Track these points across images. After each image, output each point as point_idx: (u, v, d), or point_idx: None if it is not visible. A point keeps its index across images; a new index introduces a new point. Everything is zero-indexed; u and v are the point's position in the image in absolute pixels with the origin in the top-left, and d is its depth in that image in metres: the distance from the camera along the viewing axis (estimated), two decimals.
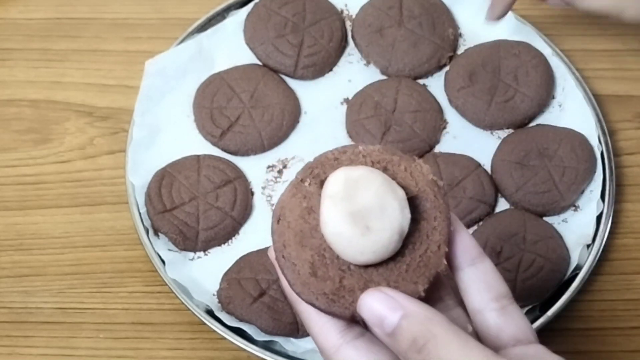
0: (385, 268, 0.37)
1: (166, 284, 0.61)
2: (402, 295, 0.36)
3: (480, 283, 0.38)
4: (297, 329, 0.60)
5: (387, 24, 0.72)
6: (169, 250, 0.63)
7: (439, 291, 0.39)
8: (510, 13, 0.72)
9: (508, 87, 0.69)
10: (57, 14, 0.77)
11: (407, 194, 0.37)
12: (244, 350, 0.59)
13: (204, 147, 0.68)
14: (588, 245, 0.63)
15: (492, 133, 0.69)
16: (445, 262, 0.38)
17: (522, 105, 0.68)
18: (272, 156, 0.68)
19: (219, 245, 0.64)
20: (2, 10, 0.77)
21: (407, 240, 0.37)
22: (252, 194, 0.66)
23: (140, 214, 0.64)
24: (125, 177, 0.65)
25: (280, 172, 0.67)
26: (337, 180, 0.36)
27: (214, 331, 0.60)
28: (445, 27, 0.72)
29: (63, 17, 0.77)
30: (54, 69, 0.74)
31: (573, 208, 0.65)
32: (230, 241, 0.65)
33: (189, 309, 0.60)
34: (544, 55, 0.70)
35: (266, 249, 0.40)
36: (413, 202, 0.37)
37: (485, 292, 0.38)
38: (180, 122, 0.69)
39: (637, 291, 0.64)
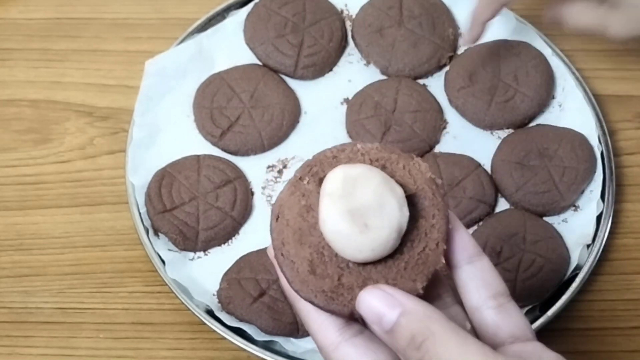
0: (383, 266, 0.37)
1: (166, 284, 0.61)
2: (400, 293, 0.36)
3: (478, 281, 0.38)
4: (297, 329, 0.60)
5: (387, 24, 0.72)
6: (169, 250, 0.63)
7: (438, 289, 0.39)
8: (510, 13, 0.72)
9: (508, 87, 0.69)
10: (57, 14, 0.77)
11: (405, 192, 0.37)
12: (244, 350, 0.59)
13: (204, 147, 0.68)
14: (588, 245, 0.63)
15: (492, 133, 0.69)
16: (444, 260, 0.38)
17: (522, 105, 0.68)
18: (272, 156, 0.68)
19: (219, 245, 0.64)
20: (2, 10, 0.77)
21: (406, 238, 0.37)
22: (252, 194, 0.66)
23: (140, 214, 0.64)
24: (125, 177, 0.65)
25: (280, 172, 0.67)
26: (336, 178, 0.36)
27: (214, 331, 0.60)
28: (445, 27, 0.72)
29: (63, 17, 0.77)
30: (54, 69, 0.74)
31: (573, 208, 0.65)
32: (230, 241, 0.65)
33: (189, 309, 0.60)
34: (544, 55, 0.70)
35: (266, 249, 0.40)
36: (411, 200, 0.37)
37: (483, 290, 0.38)
38: (180, 122, 0.69)
39: (637, 291, 0.64)
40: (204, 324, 0.60)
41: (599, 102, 0.70)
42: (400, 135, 0.67)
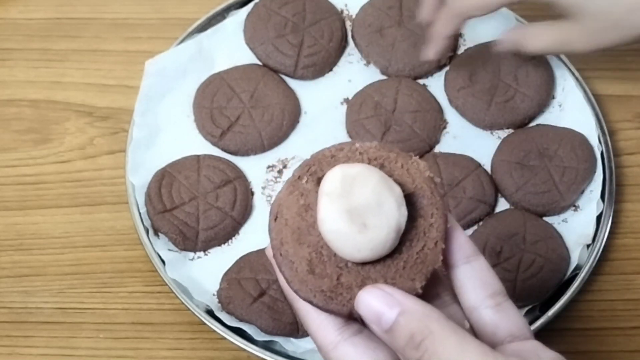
0: (382, 265, 0.37)
1: (166, 284, 0.61)
2: (399, 292, 0.36)
3: (476, 280, 0.39)
4: (297, 329, 0.60)
5: (387, 24, 0.72)
6: (169, 250, 0.63)
7: (436, 288, 0.39)
8: (510, 13, 0.72)
9: (508, 87, 0.69)
10: (57, 14, 0.77)
11: (404, 191, 0.37)
12: (244, 350, 0.59)
13: (204, 147, 0.68)
14: (588, 245, 0.63)
15: (492, 133, 0.69)
16: (442, 259, 0.38)
17: (522, 105, 0.68)
18: (272, 156, 0.68)
19: (219, 245, 0.64)
20: (2, 10, 0.77)
21: (404, 237, 0.37)
22: (252, 194, 0.66)
23: (140, 214, 0.64)
24: (125, 177, 0.65)
25: (280, 172, 0.67)
26: (334, 178, 0.36)
27: (214, 331, 0.60)
28: None
29: (63, 17, 0.77)
30: (54, 69, 0.74)
31: (573, 208, 0.65)
32: (230, 241, 0.65)
33: (189, 309, 0.60)
34: (544, 55, 0.70)
35: (265, 248, 0.40)
36: (410, 199, 0.37)
37: (481, 290, 0.38)
38: (180, 122, 0.69)
39: (637, 291, 0.64)
40: (204, 324, 0.60)
41: (599, 102, 0.70)
42: (400, 135, 0.67)
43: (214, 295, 0.62)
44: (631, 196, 0.68)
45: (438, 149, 0.68)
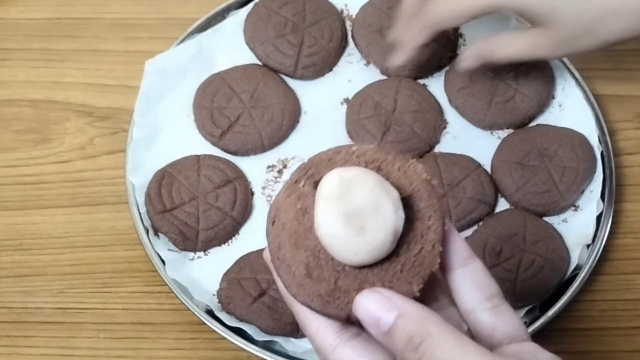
0: (380, 268, 0.37)
1: (166, 284, 0.61)
2: (397, 295, 0.36)
3: (472, 283, 0.39)
4: (297, 329, 0.60)
5: (387, 24, 0.71)
6: (169, 250, 0.63)
7: (434, 291, 0.40)
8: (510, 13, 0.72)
9: (508, 87, 0.69)
10: (57, 14, 0.77)
11: (401, 193, 0.37)
12: (244, 350, 0.59)
13: (204, 147, 0.68)
14: (588, 245, 0.63)
15: (492, 133, 0.69)
16: (439, 262, 0.38)
17: (522, 105, 0.68)
18: (272, 156, 0.68)
19: (219, 245, 0.64)
20: (2, 10, 0.77)
21: (402, 240, 0.37)
22: (252, 194, 0.66)
23: (140, 214, 0.64)
24: (125, 177, 0.65)
25: (280, 172, 0.67)
26: (331, 181, 0.36)
27: (214, 331, 0.60)
28: None
29: (63, 17, 0.77)
30: (54, 69, 0.74)
31: (573, 208, 0.65)
32: (230, 241, 0.65)
33: (189, 309, 0.60)
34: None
35: (263, 251, 0.40)
36: (407, 202, 0.37)
37: (478, 292, 0.39)
38: (180, 122, 0.69)
39: (637, 291, 0.64)
40: (204, 324, 0.60)
41: (599, 102, 0.70)
42: (400, 135, 0.67)
43: (214, 295, 0.62)
44: (631, 196, 0.68)
45: (438, 149, 0.68)
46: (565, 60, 0.71)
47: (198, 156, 0.66)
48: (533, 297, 0.61)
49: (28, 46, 0.75)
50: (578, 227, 0.64)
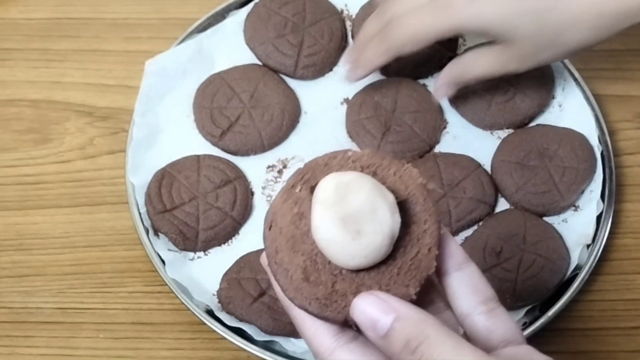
0: (377, 272, 0.37)
1: (166, 284, 0.61)
2: (394, 299, 0.36)
3: (468, 287, 0.39)
4: None
5: None
6: (169, 250, 0.63)
7: (430, 294, 0.40)
8: None
9: (508, 87, 0.69)
10: (57, 14, 0.77)
11: (397, 198, 0.37)
12: (244, 350, 0.59)
13: (204, 147, 0.68)
14: (588, 245, 0.63)
15: (492, 133, 0.69)
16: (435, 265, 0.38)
17: (522, 105, 0.68)
18: (272, 156, 0.68)
19: (219, 245, 0.64)
20: (2, 10, 0.77)
21: (398, 244, 0.37)
22: (252, 194, 0.66)
23: (140, 214, 0.64)
24: (125, 177, 0.65)
25: (280, 172, 0.67)
26: (328, 186, 0.36)
27: (214, 331, 0.60)
28: None
29: (63, 17, 0.77)
30: (54, 69, 0.74)
31: (573, 208, 0.65)
32: (230, 241, 0.65)
33: (189, 309, 0.60)
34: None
35: (260, 256, 0.40)
36: (403, 206, 0.38)
37: (473, 296, 0.39)
38: (180, 122, 0.69)
39: (637, 291, 0.64)
40: (204, 324, 0.60)
41: (599, 102, 0.70)
42: (400, 136, 0.67)
43: (214, 295, 0.62)
44: (631, 196, 0.68)
45: (438, 149, 0.68)
46: (565, 60, 0.71)
47: (198, 156, 0.66)
48: (533, 297, 0.61)
49: (28, 46, 0.75)
50: (578, 227, 0.64)
